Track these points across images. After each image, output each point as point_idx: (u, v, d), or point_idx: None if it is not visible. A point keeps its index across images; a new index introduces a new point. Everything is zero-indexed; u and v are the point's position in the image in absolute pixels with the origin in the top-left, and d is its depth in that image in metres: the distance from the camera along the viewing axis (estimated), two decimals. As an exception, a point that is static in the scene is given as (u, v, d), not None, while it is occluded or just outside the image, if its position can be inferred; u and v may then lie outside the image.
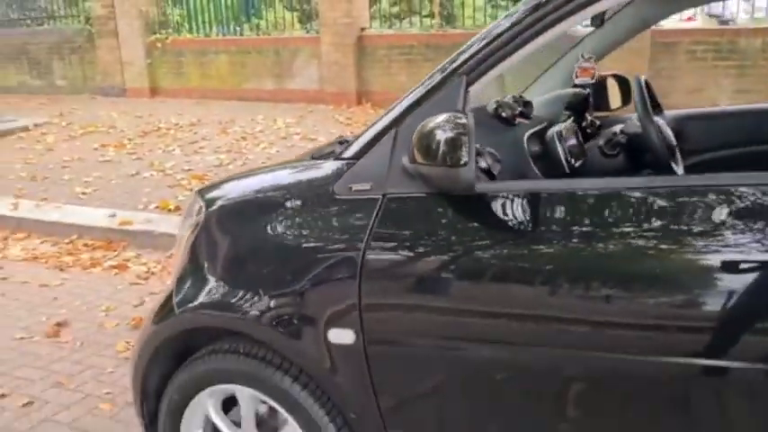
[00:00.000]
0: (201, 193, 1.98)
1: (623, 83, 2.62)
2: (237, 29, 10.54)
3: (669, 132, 2.35)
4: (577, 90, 2.47)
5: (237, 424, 1.91)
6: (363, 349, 1.60)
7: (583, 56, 2.26)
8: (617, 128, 2.36)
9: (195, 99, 9.97)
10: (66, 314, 3.76)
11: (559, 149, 2.04)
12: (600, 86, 2.57)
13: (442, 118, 1.41)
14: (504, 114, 2.07)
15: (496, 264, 1.48)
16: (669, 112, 2.60)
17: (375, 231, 1.56)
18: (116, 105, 10.10)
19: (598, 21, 2.15)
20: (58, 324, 3.63)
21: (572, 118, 2.37)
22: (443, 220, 1.54)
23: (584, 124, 2.50)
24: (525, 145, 2.00)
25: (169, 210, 5.34)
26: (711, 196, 1.34)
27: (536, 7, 1.51)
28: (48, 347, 3.39)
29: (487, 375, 1.54)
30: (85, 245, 5.01)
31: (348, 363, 1.63)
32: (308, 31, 10.23)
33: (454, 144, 1.38)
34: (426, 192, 1.53)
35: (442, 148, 1.38)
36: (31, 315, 3.79)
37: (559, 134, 2.09)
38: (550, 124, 2.19)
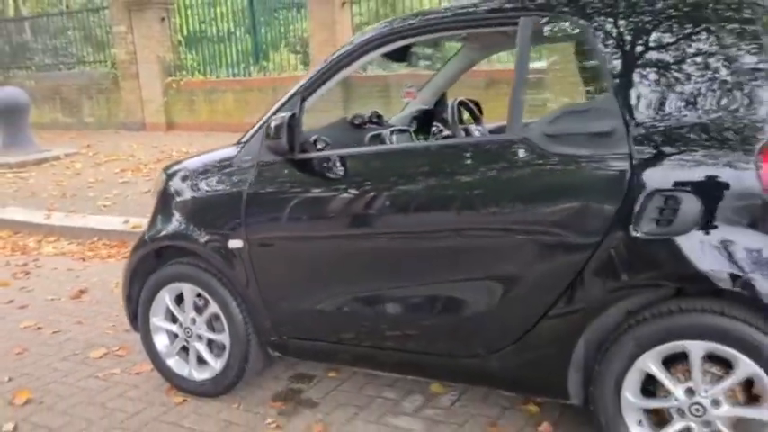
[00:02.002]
0: (164, 170, 3.23)
1: (475, 104, 3.83)
2: (246, 71, 11.94)
3: (477, 134, 3.55)
4: (423, 107, 3.70)
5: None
6: (248, 250, 2.81)
7: (406, 84, 3.50)
8: (445, 132, 3.57)
9: (205, 132, 11.35)
10: (86, 286, 4.99)
11: (388, 142, 3.25)
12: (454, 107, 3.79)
13: (279, 116, 2.65)
14: (356, 122, 3.30)
15: (314, 194, 2.68)
16: (489, 125, 3.79)
17: (252, 183, 2.79)
18: (136, 138, 11.51)
19: (407, 60, 3.33)
20: (80, 291, 4.86)
21: (414, 126, 3.59)
22: (285, 174, 2.75)
23: (433, 130, 3.71)
24: (366, 141, 3.20)
25: (171, 216, 6.56)
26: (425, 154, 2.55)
27: (342, 53, 2.74)
28: (72, 304, 4.61)
29: (319, 261, 2.73)
30: (104, 244, 6.25)
31: (240, 259, 2.84)
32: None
33: (278, 129, 2.61)
34: (277, 159, 2.75)
35: (273, 130, 2.62)
36: (60, 287, 5.02)
37: (392, 133, 3.31)
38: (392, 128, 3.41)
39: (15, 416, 3.03)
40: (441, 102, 3.84)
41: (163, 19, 11.79)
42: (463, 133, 3.43)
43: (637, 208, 2.14)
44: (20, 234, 6.79)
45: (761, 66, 2.13)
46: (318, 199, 2.69)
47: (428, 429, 2.75)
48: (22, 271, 5.49)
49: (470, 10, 2.57)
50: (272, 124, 2.64)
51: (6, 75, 13.65)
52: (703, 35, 2.19)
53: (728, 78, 2.14)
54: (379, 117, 3.49)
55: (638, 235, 2.14)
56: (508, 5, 2.47)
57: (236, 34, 13.03)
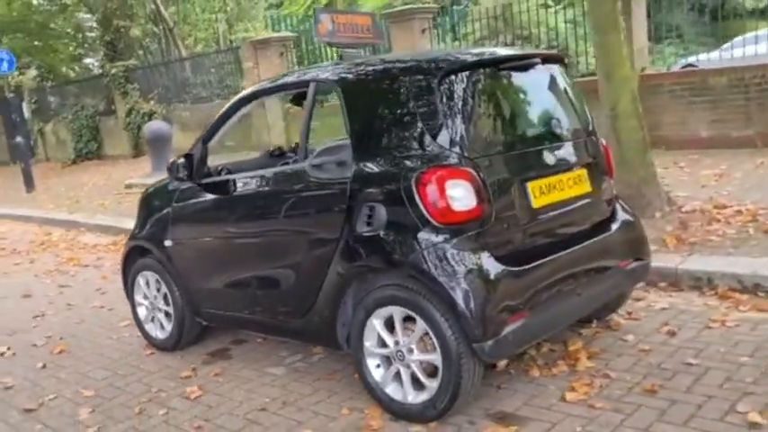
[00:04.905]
0: (144, 190, 4.61)
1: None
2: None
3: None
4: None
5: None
6: (174, 247, 4.09)
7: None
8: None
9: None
10: (156, 278, 6.55)
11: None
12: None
13: (176, 157, 3.89)
14: (274, 153, 4.47)
15: (206, 207, 3.91)
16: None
17: (175, 200, 4.07)
18: (261, 158, 13.39)
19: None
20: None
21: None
22: (193, 193, 4.00)
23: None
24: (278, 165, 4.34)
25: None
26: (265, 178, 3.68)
27: (230, 106, 3.93)
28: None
29: (216, 253, 3.94)
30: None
31: (170, 254, 4.12)
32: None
33: (172, 165, 3.86)
34: (189, 184, 4.00)
35: (168, 166, 3.87)
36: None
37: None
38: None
39: (48, 359, 4.56)
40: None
41: (282, 54, 13.58)
42: None
43: (355, 214, 3.11)
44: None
45: (438, 117, 3.00)
46: (208, 210, 3.93)
47: (287, 374, 3.84)
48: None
49: (295, 78, 3.70)
50: (170, 162, 3.91)
51: (168, 108, 16.23)
52: (404, 97, 3.10)
53: (416, 125, 3.04)
54: (296, 147, 4.62)
55: (357, 233, 3.11)
56: (306, 76, 3.56)
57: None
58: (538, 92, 3.43)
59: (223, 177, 3.92)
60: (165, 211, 4.17)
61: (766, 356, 3.36)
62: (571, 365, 3.51)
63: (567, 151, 3.41)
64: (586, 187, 3.48)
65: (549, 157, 3.31)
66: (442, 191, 2.90)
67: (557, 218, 3.31)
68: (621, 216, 3.73)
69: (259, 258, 3.68)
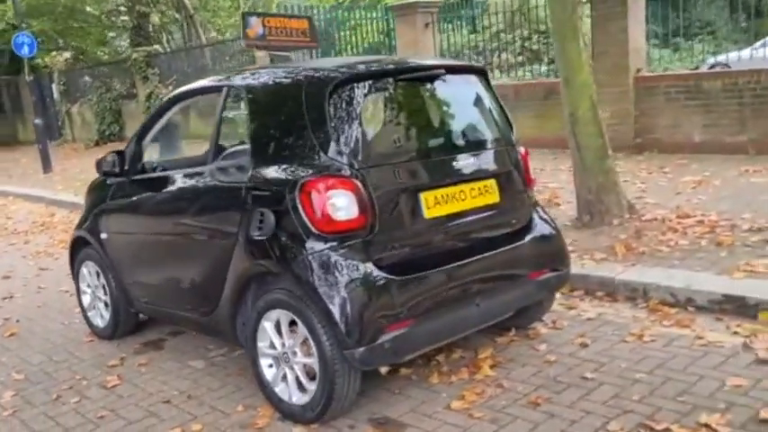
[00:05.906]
0: (90, 183, 4.76)
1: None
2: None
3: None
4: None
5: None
6: (109, 239, 4.23)
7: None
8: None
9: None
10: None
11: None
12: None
13: (107, 153, 4.02)
14: (215, 151, 4.59)
15: (136, 201, 4.03)
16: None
17: (111, 195, 4.21)
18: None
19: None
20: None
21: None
22: (124, 189, 4.13)
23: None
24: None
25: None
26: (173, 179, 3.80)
27: (164, 104, 4.04)
28: (107, 277, 6.36)
29: (141, 248, 4.08)
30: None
31: (106, 246, 4.27)
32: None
33: (100, 162, 4.00)
34: (120, 179, 4.13)
35: (98, 161, 4.00)
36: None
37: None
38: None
39: (-4, 341, 4.77)
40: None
41: (292, 44, 13.71)
42: None
43: (249, 217, 3.20)
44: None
45: (327, 127, 3.06)
46: (134, 206, 4.07)
47: (205, 368, 3.96)
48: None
49: (213, 82, 3.80)
50: (99, 159, 4.05)
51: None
52: (298, 106, 3.16)
53: (307, 134, 3.10)
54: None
55: (251, 235, 3.19)
56: (220, 81, 3.68)
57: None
58: (444, 102, 3.45)
59: (148, 175, 4.05)
60: (102, 205, 4.32)
61: (663, 374, 3.35)
62: (472, 373, 3.55)
63: (471, 161, 3.41)
64: (494, 197, 3.48)
65: (448, 168, 3.32)
66: (323, 200, 2.96)
67: (454, 228, 3.33)
68: (538, 226, 3.73)
69: (173, 255, 3.81)
